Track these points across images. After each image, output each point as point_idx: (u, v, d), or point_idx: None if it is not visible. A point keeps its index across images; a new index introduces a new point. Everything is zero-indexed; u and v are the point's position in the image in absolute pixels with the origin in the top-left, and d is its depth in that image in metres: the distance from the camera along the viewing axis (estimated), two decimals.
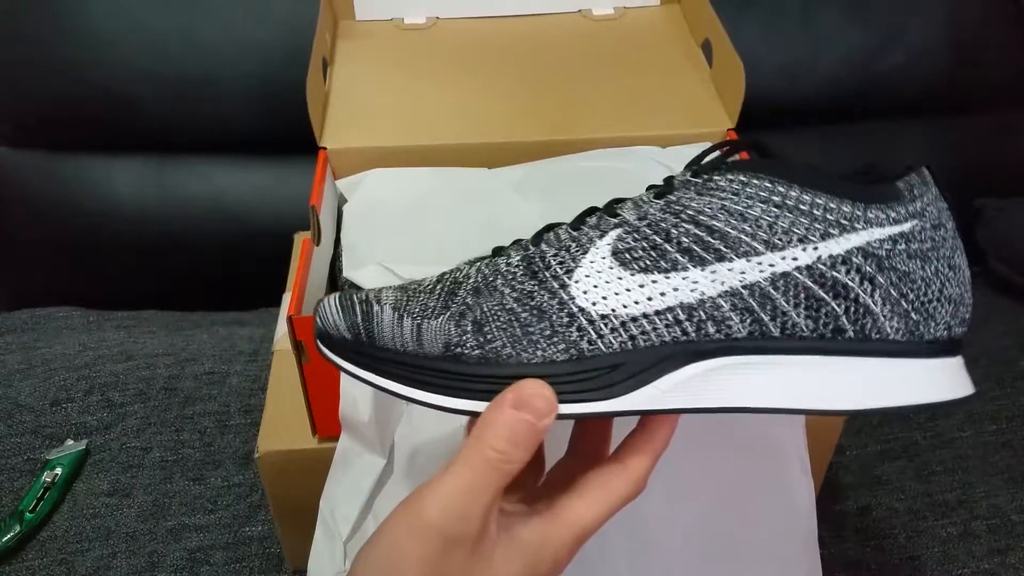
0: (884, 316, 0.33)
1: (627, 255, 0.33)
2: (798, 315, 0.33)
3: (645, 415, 0.34)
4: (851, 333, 0.33)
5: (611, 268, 0.33)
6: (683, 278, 0.33)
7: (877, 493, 0.68)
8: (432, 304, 0.34)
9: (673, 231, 0.33)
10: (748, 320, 0.33)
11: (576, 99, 0.62)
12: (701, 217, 0.33)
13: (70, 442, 0.68)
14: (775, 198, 0.33)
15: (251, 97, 0.85)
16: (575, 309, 0.33)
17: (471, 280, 0.35)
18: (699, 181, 0.34)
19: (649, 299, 0.33)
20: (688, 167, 0.36)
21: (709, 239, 0.33)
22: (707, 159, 0.36)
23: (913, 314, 0.33)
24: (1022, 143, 0.94)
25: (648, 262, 0.33)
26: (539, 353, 0.33)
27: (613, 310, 0.33)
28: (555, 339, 0.33)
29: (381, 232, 0.55)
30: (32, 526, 0.63)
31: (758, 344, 0.33)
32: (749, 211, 0.33)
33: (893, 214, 0.33)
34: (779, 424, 0.50)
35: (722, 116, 0.60)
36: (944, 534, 0.65)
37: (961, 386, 0.35)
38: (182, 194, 0.88)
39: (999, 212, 0.85)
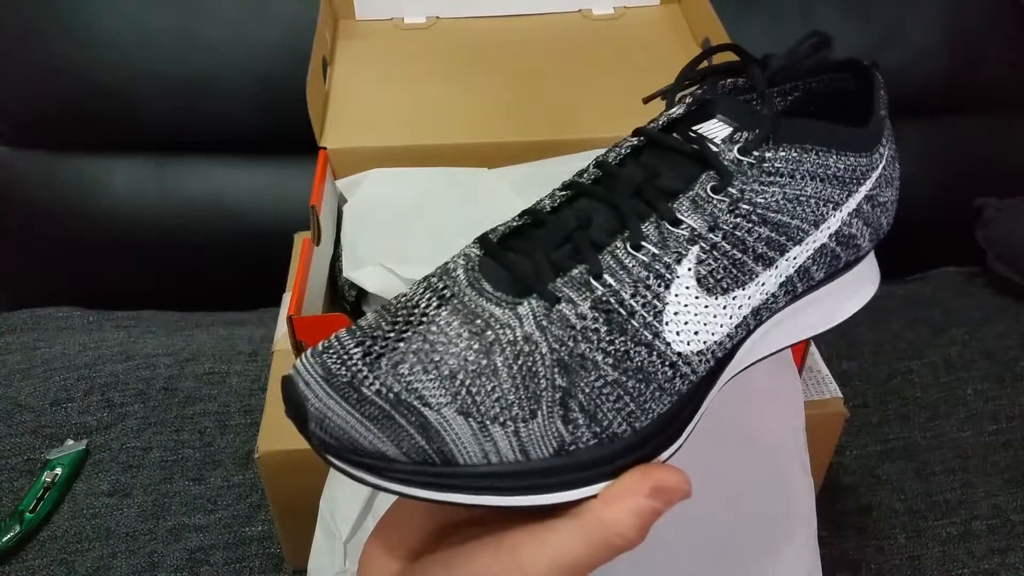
0: (865, 245, 0.35)
1: (711, 279, 0.30)
2: (817, 273, 0.34)
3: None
4: (844, 263, 0.35)
5: (697, 298, 0.30)
6: (757, 285, 0.31)
7: (877, 493, 0.68)
8: (512, 397, 0.27)
9: (748, 238, 0.31)
10: (785, 292, 0.33)
11: (576, 99, 0.62)
12: (769, 214, 0.31)
13: (70, 442, 0.68)
14: (821, 171, 0.32)
15: (251, 97, 0.85)
16: (674, 358, 0.29)
17: (542, 350, 0.28)
18: (753, 162, 0.31)
19: (730, 318, 0.31)
20: (728, 123, 0.32)
21: (777, 237, 0.31)
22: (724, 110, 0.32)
23: (881, 232, 0.36)
24: (1021, 142, 0.94)
25: (730, 281, 0.30)
26: (650, 416, 0.29)
27: (705, 343, 0.30)
28: (663, 396, 0.29)
29: (381, 232, 0.55)
30: (32, 526, 0.63)
31: (786, 303, 0.34)
32: (803, 192, 0.32)
33: (880, 151, 0.35)
34: (779, 424, 0.50)
35: None
36: (944, 534, 0.65)
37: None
38: (182, 194, 0.88)
39: (998, 212, 0.85)
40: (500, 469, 0.27)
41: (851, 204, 0.33)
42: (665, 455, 0.30)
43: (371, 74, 0.65)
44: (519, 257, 0.30)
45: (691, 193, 0.30)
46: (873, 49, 0.89)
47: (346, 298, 0.56)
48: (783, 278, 0.32)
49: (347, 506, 0.48)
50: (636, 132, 0.34)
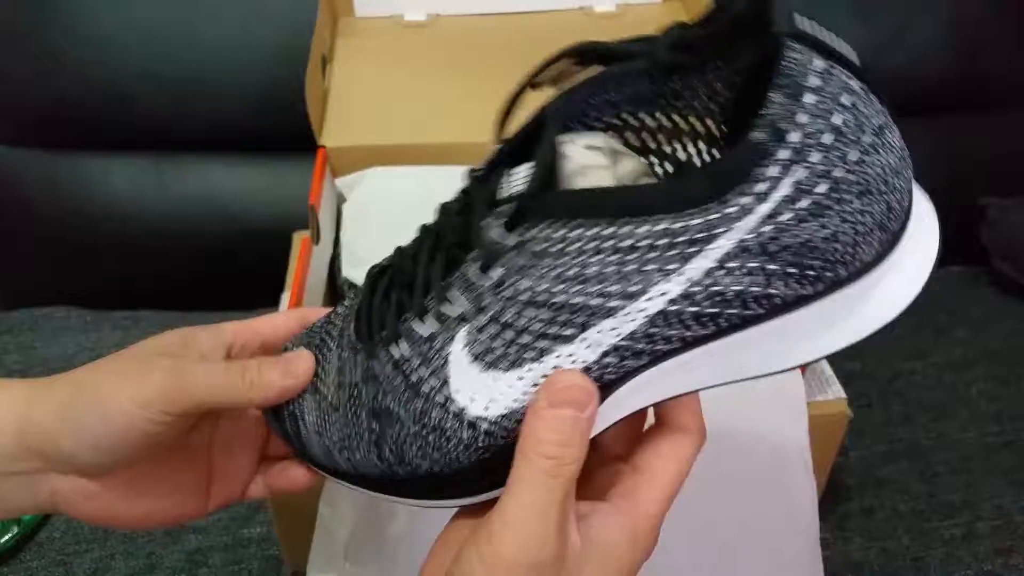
0: (794, 293, 0.28)
1: (488, 354, 0.30)
2: (694, 331, 0.29)
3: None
4: (762, 312, 0.28)
5: (482, 373, 0.30)
6: (557, 357, 0.29)
7: (880, 494, 0.67)
8: (344, 431, 0.33)
9: (520, 321, 0.29)
10: (643, 355, 0.29)
11: None
12: (541, 298, 0.28)
13: None
14: (605, 244, 0.28)
15: (250, 95, 0.85)
16: (472, 419, 0.30)
17: (364, 398, 0.32)
18: (515, 245, 0.29)
19: (534, 385, 0.29)
20: (487, 201, 0.30)
21: (560, 317, 0.29)
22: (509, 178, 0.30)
23: (830, 274, 0.28)
24: None
25: (514, 356, 0.29)
26: (461, 464, 0.31)
27: (508, 408, 0.30)
28: (470, 452, 0.30)
29: (380, 231, 0.54)
30: (30, 527, 0.63)
31: (660, 360, 0.30)
32: (586, 270, 0.28)
33: (759, 187, 0.26)
34: (782, 425, 0.50)
35: None
36: (948, 535, 0.65)
37: (914, 281, 0.30)
38: (181, 193, 0.88)
39: (1003, 211, 0.84)
40: (344, 475, 0.34)
41: (702, 263, 0.27)
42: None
43: (370, 72, 0.65)
44: (373, 300, 0.34)
45: (464, 269, 0.30)
46: (876, 49, 0.89)
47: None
48: (604, 348, 0.29)
49: (347, 507, 0.48)
50: (469, 171, 0.33)
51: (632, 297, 0.28)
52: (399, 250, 0.34)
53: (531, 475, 0.28)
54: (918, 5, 0.89)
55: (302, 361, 0.34)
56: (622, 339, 0.29)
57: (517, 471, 0.28)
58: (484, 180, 0.31)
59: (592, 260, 0.28)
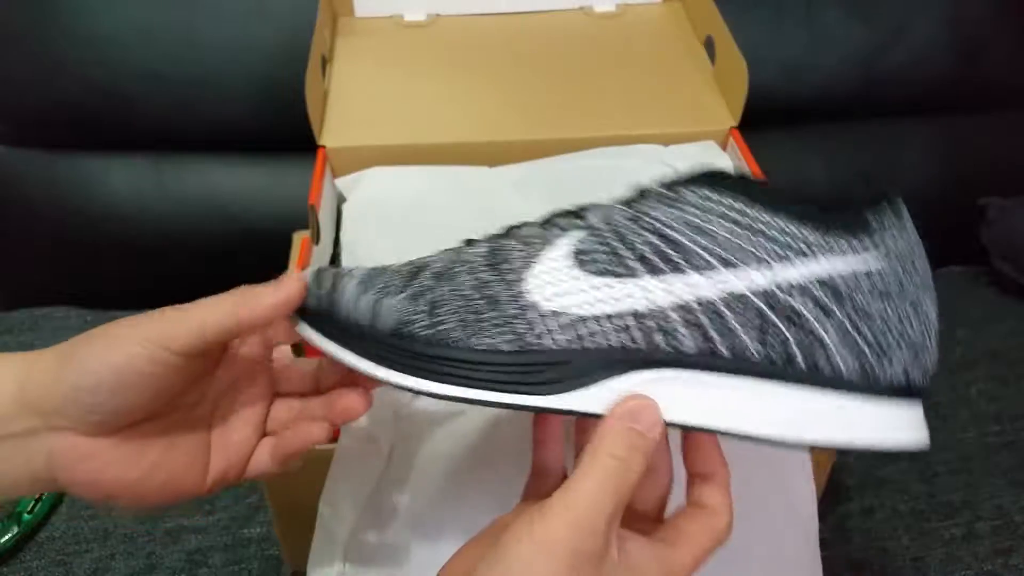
0: (837, 350, 0.32)
1: (586, 256, 0.33)
2: (748, 337, 0.32)
3: (583, 416, 0.33)
4: (801, 362, 0.32)
5: (569, 268, 0.33)
6: (636, 285, 0.33)
7: (880, 494, 0.67)
8: (395, 283, 0.35)
9: (634, 238, 0.33)
10: (698, 336, 0.32)
11: (577, 97, 0.62)
12: (663, 228, 0.33)
13: None
14: (737, 216, 0.33)
15: (250, 95, 0.84)
16: (527, 302, 0.33)
17: (436, 265, 0.35)
18: (669, 193, 0.34)
19: (601, 301, 0.33)
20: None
21: (667, 250, 0.33)
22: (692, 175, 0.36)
23: (868, 353, 0.32)
24: None
25: (605, 266, 0.33)
26: (486, 340, 0.33)
27: (564, 308, 0.33)
28: (503, 328, 0.33)
29: (380, 231, 0.55)
30: (30, 527, 0.63)
31: (707, 361, 0.32)
32: (708, 225, 0.33)
33: (859, 246, 0.32)
34: None
35: (724, 114, 0.60)
36: (948, 535, 0.65)
37: (914, 436, 0.33)
38: (180, 193, 0.88)
39: (1003, 211, 0.84)
40: (359, 331, 0.34)
41: (791, 273, 0.32)
42: (542, 401, 0.33)
43: (370, 72, 0.65)
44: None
45: (606, 203, 0.35)
46: (877, 49, 0.89)
47: None
48: (678, 300, 0.32)
49: (347, 507, 0.48)
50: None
51: (726, 265, 0.32)
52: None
53: (596, 471, 0.31)
54: (918, 5, 0.89)
55: (293, 281, 0.35)
56: (695, 300, 0.32)
57: (583, 466, 0.31)
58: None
59: (722, 223, 0.32)
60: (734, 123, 0.59)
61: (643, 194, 0.35)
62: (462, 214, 0.55)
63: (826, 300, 0.32)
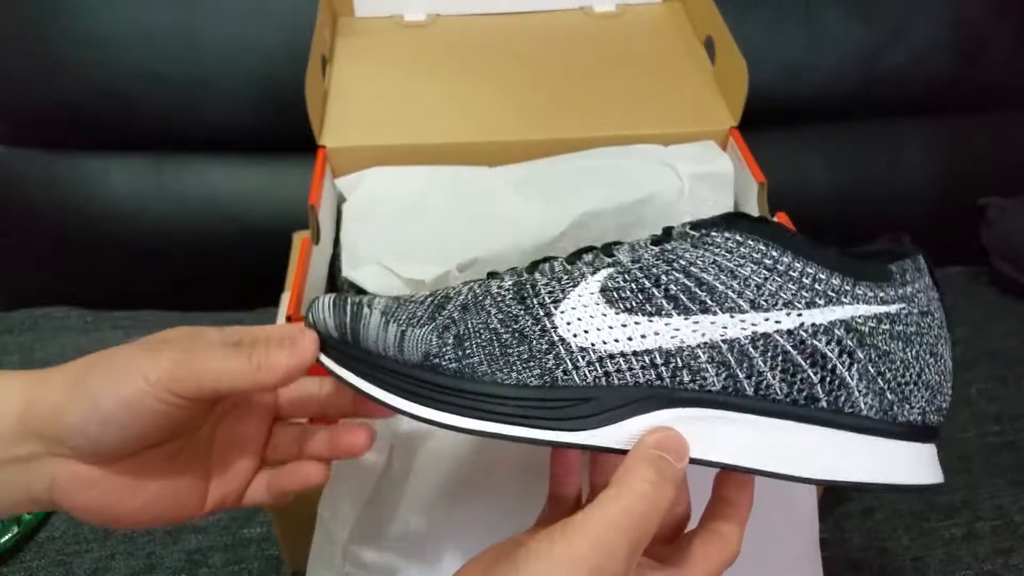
0: (859, 392, 0.33)
1: (615, 294, 0.34)
2: (773, 377, 0.33)
3: (607, 452, 0.34)
4: (824, 403, 0.33)
5: (597, 304, 0.34)
6: (665, 324, 0.33)
7: (880, 494, 0.67)
8: (420, 314, 0.35)
9: (663, 277, 0.34)
10: (723, 375, 0.33)
11: (577, 97, 0.62)
12: (692, 268, 0.34)
13: None
14: (767, 261, 0.33)
15: (250, 95, 0.84)
16: (555, 338, 0.33)
17: (461, 296, 0.36)
18: (696, 234, 0.35)
19: (629, 339, 0.33)
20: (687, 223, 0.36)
21: (696, 290, 0.33)
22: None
23: (888, 394, 0.34)
24: None
25: (634, 303, 0.34)
26: (513, 375, 0.33)
27: (592, 344, 0.33)
28: (531, 364, 0.33)
29: (381, 231, 0.55)
30: (30, 527, 0.63)
31: (731, 400, 0.33)
32: (740, 269, 0.33)
33: (882, 294, 0.34)
34: None
35: (724, 114, 0.60)
36: (948, 535, 0.65)
37: (930, 474, 0.35)
38: (180, 193, 0.88)
39: (1002, 211, 0.84)
40: (383, 362, 0.34)
41: (817, 317, 0.33)
42: (568, 437, 0.33)
43: (370, 72, 0.65)
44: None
45: (633, 242, 0.36)
46: (877, 49, 0.89)
47: None
48: (706, 339, 0.33)
49: (347, 508, 0.48)
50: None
51: (755, 308, 0.33)
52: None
53: (626, 494, 0.31)
54: (918, 5, 0.89)
55: (307, 341, 0.35)
56: (722, 339, 0.33)
57: (612, 490, 0.31)
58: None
59: (749, 264, 0.33)
60: (734, 123, 0.59)
61: (669, 234, 0.36)
62: (462, 214, 0.55)
63: (850, 343, 0.33)
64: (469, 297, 0.36)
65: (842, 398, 0.33)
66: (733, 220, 0.35)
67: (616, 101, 0.61)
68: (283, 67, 0.82)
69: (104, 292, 0.86)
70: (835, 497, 0.67)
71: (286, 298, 0.63)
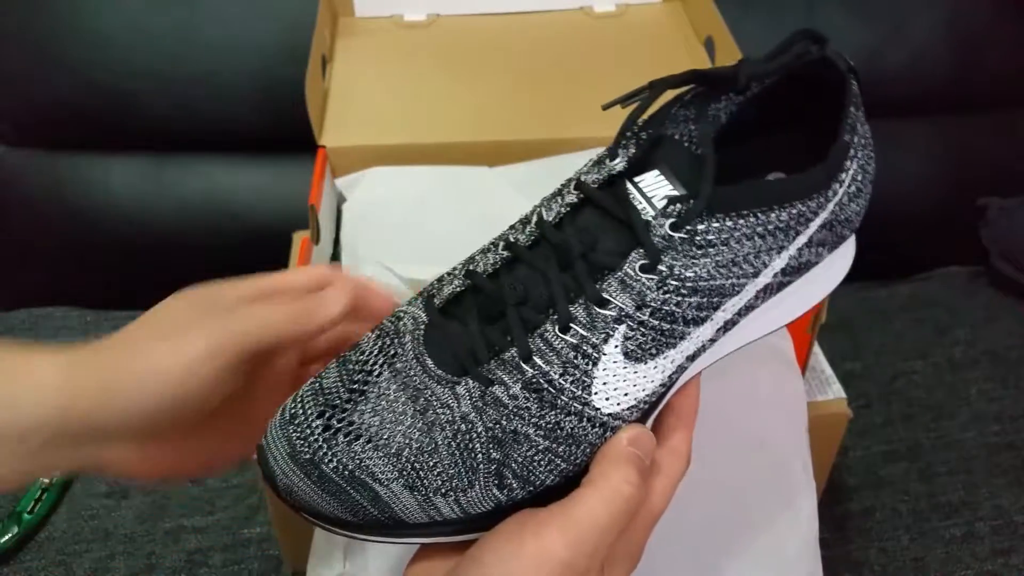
0: (827, 253, 0.36)
1: (638, 350, 0.32)
2: (762, 300, 0.34)
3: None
4: (800, 276, 0.35)
5: (626, 368, 0.32)
6: (689, 341, 0.33)
7: (880, 494, 0.67)
8: (452, 471, 0.31)
9: (676, 309, 0.32)
10: (724, 329, 0.34)
11: (577, 96, 0.62)
12: (700, 284, 0.32)
13: None
14: (760, 229, 0.32)
15: (250, 95, 0.84)
16: (604, 418, 0.32)
17: (478, 429, 0.31)
18: (685, 237, 0.31)
19: (662, 372, 0.33)
20: (661, 212, 0.32)
21: (709, 300, 0.32)
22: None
23: (853, 228, 0.36)
24: None
25: (658, 348, 0.32)
26: (581, 466, 0.32)
27: (636, 399, 0.32)
28: (590, 451, 0.32)
29: (381, 231, 0.55)
30: (30, 527, 0.63)
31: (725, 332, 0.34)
32: (737, 254, 0.32)
33: (842, 176, 0.34)
34: (782, 424, 0.50)
35: None
36: (948, 535, 0.65)
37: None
38: (181, 193, 0.88)
39: (1003, 211, 0.84)
40: (443, 524, 0.32)
41: (799, 242, 0.33)
42: None
43: (371, 72, 0.65)
44: (459, 328, 0.33)
45: (620, 273, 0.31)
46: (876, 48, 0.89)
47: None
48: (720, 323, 0.33)
49: None
50: (577, 185, 0.34)
51: (756, 275, 0.33)
52: (470, 273, 0.34)
53: (609, 494, 0.30)
54: (918, 4, 0.89)
55: (341, 277, 0.36)
56: (734, 314, 0.33)
57: (593, 487, 0.30)
58: (607, 188, 0.33)
59: (744, 245, 0.32)
60: None
61: (657, 252, 0.31)
62: (462, 214, 0.55)
63: (825, 236, 0.35)
64: (489, 427, 0.31)
65: (825, 256, 0.36)
66: (712, 200, 0.31)
67: None
68: (283, 67, 0.82)
69: (104, 292, 0.86)
70: (835, 497, 0.67)
71: None
